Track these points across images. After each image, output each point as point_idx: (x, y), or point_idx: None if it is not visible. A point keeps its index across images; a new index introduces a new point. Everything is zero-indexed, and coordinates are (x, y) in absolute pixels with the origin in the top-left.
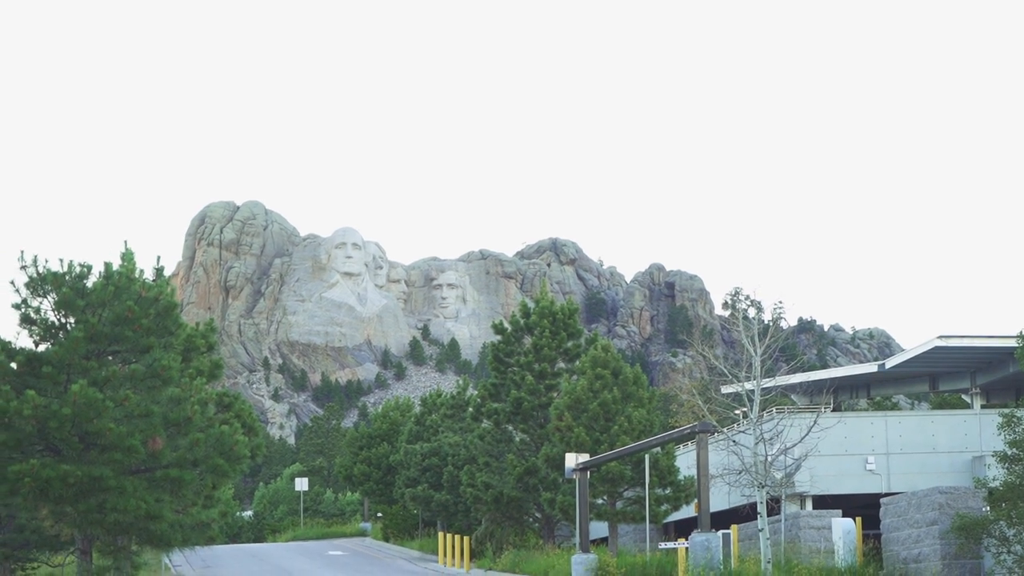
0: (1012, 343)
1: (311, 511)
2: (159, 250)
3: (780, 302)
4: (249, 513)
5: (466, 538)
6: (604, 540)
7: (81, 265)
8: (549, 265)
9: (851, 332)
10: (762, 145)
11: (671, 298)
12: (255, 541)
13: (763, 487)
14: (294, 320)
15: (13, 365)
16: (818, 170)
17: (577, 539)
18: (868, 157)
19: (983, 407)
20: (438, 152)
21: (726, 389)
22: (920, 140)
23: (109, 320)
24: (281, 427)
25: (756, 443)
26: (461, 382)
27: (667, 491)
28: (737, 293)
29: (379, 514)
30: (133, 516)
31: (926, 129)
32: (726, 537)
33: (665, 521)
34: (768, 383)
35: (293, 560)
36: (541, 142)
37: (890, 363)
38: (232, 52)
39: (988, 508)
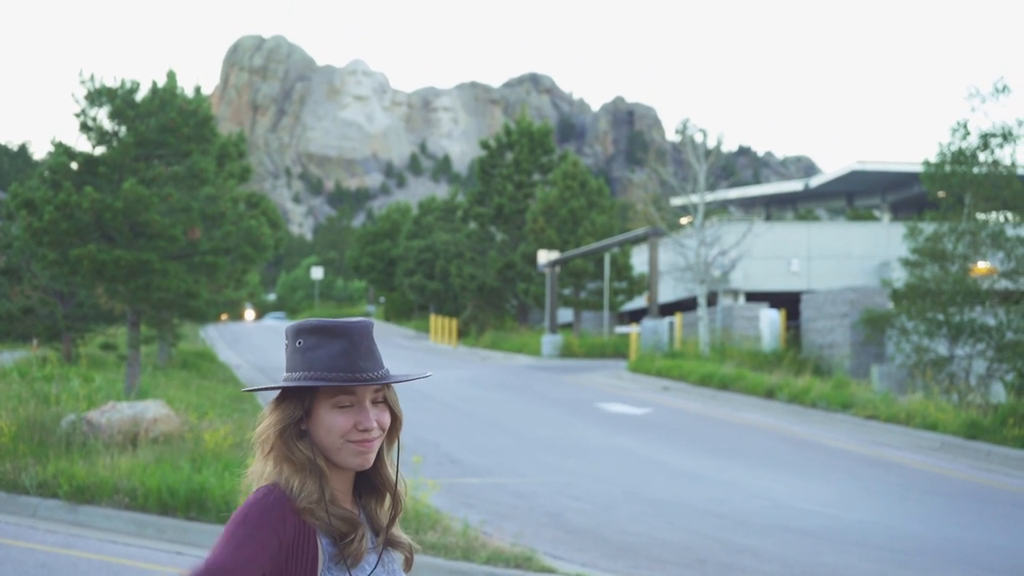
0: (918, 168)
1: (324, 295)
2: (198, 75)
3: (722, 131)
4: (273, 296)
5: (454, 320)
6: (569, 325)
7: (131, 82)
8: (529, 93)
9: (781, 157)
10: None
11: (631, 124)
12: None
13: (704, 283)
14: (312, 135)
15: (74, 165)
16: (764, 15)
17: (547, 322)
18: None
19: (891, 220)
20: None
21: (675, 201)
22: None
23: (155, 128)
24: (300, 225)
25: (699, 246)
26: (452, 190)
27: (623, 284)
28: (687, 121)
29: (382, 299)
30: (175, 294)
31: None
32: (671, 324)
33: (621, 310)
34: (711, 196)
35: None
36: None
37: (814, 182)
38: None
39: (891, 304)
